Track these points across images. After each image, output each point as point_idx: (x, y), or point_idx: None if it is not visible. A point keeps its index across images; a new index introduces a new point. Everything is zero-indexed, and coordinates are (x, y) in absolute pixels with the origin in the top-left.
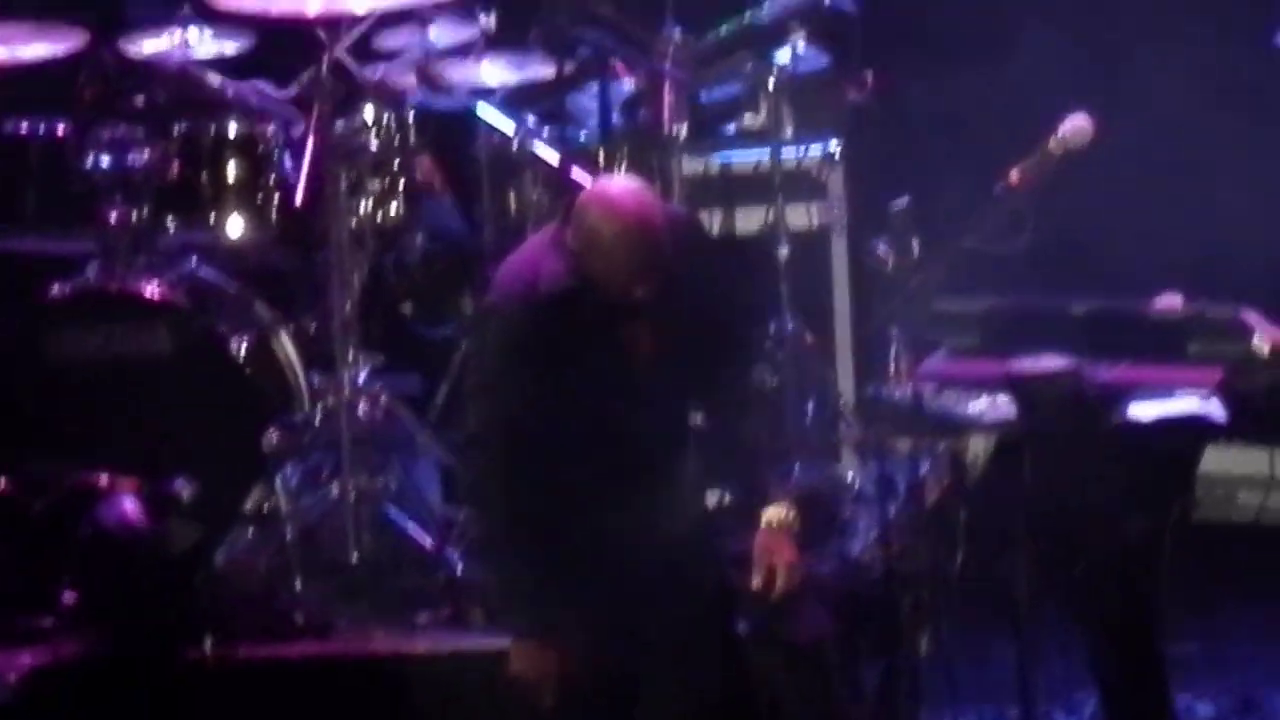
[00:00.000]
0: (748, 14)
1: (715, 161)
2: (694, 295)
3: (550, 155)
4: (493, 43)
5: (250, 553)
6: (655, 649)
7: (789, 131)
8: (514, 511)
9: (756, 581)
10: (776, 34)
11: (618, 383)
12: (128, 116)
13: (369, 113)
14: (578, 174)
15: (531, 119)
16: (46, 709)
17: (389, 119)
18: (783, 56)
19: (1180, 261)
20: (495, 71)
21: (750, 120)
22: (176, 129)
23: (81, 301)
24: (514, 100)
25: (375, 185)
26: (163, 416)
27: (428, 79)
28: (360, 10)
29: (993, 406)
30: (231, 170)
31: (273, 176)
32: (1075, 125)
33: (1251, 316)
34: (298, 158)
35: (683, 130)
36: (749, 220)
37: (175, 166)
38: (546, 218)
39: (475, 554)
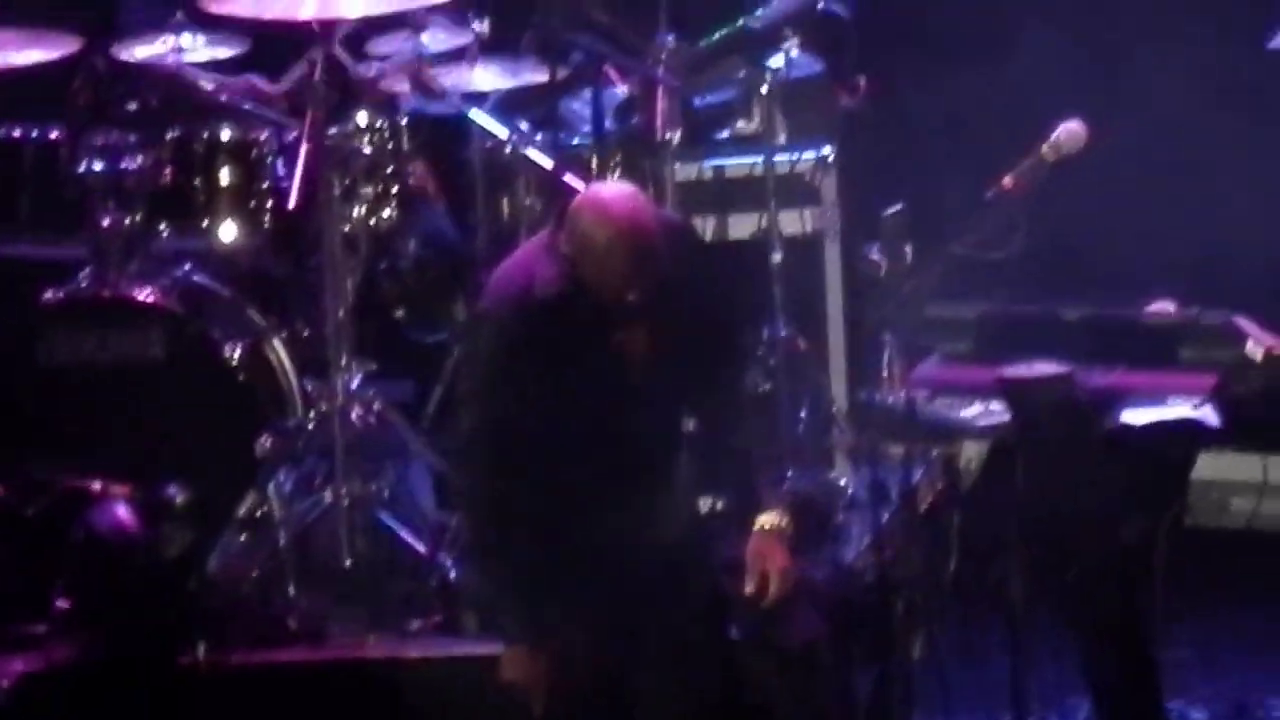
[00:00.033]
0: (741, 19)
1: (708, 167)
2: (687, 301)
3: (543, 161)
4: (486, 48)
5: (243, 558)
6: (649, 654)
7: (782, 137)
8: (506, 517)
9: (750, 587)
10: (770, 39)
11: (611, 388)
12: (121, 122)
13: (362, 118)
14: (571, 179)
15: (525, 124)
16: (39, 714)
17: (382, 124)
18: (776, 62)
19: (1179, 263)
20: (488, 77)
21: (743, 126)
22: (169, 134)
23: (75, 307)
24: (507, 105)
25: (368, 191)
26: (156, 422)
27: (421, 84)
28: (353, 15)
29: (986, 412)
30: (224, 175)
31: (266, 182)
32: (1069, 130)
33: (1244, 322)
34: (291, 163)
35: (676, 136)
36: (742, 226)
37: (168, 172)
38: (540, 223)
39: (467, 559)
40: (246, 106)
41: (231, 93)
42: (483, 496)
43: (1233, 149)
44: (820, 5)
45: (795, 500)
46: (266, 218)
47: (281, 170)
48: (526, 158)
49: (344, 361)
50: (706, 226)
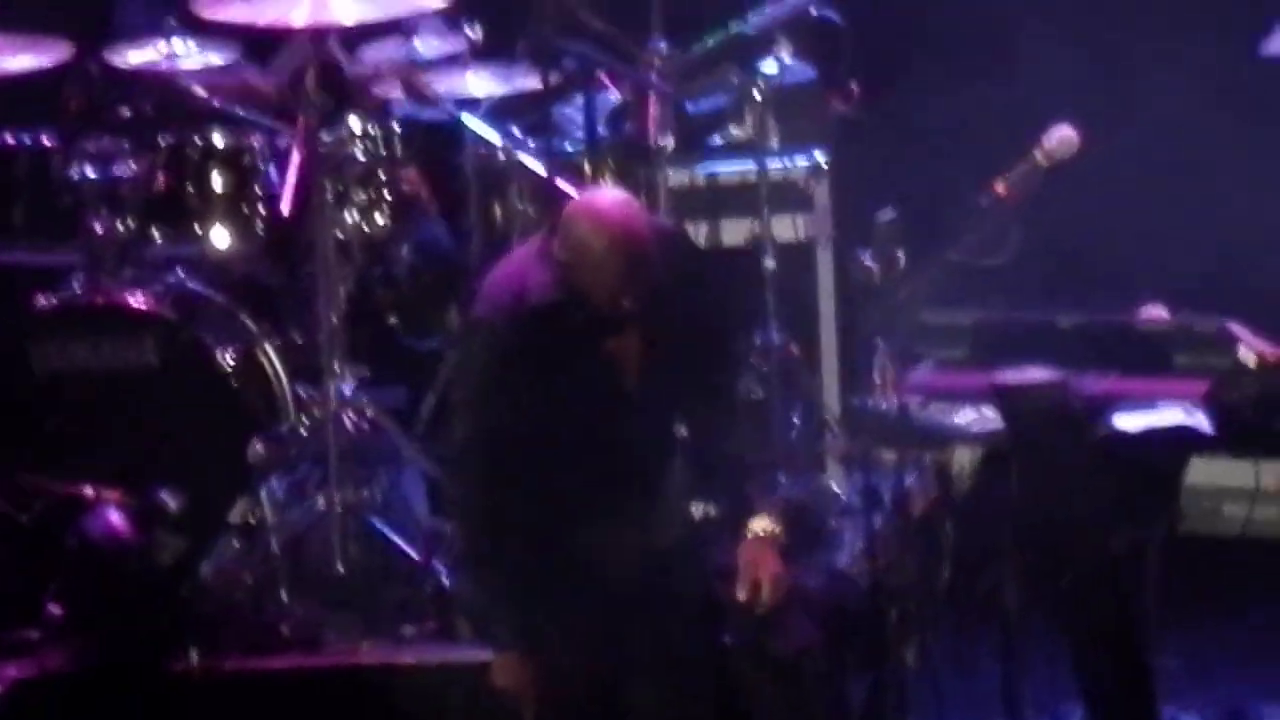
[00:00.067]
0: (734, 25)
1: (701, 173)
2: (681, 307)
3: (536, 167)
4: (479, 54)
5: (236, 564)
6: (641, 661)
7: (775, 143)
8: (498, 523)
9: (742, 594)
10: (762, 45)
11: (604, 395)
12: (113, 128)
13: (355, 124)
14: (564, 185)
15: (517, 130)
16: None
17: (375, 130)
18: (769, 68)
19: (1173, 269)
20: (481, 83)
21: (736, 132)
22: (162, 141)
23: (68, 313)
24: (500, 112)
25: (361, 197)
26: (149, 428)
27: (414, 90)
28: (347, 22)
29: (979, 418)
30: (217, 182)
31: (259, 188)
32: (1061, 136)
33: (1237, 328)
34: (284, 169)
35: (668, 142)
36: (735, 232)
37: (161, 178)
38: (533, 229)
39: (460, 566)
40: (240, 112)
41: (224, 93)
42: (476, 503)
43: (1230, 154)
44: (813, 11)
45: (788, 507)
46: (259, 224)
47: (275, 177)
48: (520, 164)
49: (337, 368)
50: (699, 232)
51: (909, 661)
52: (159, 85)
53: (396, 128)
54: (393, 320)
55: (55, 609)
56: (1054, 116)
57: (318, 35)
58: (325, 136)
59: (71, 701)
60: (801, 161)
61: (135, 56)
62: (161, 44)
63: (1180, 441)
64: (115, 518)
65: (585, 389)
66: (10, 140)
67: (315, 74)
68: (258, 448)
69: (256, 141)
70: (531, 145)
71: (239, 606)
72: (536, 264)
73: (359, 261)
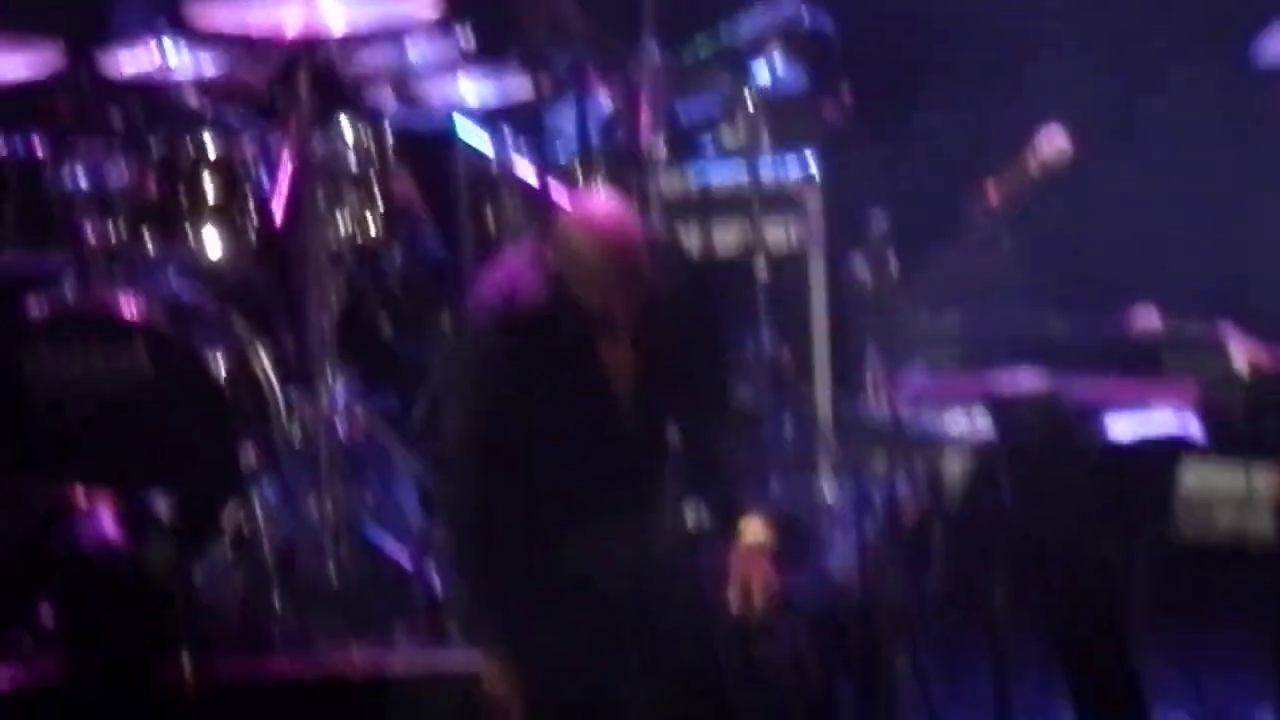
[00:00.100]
0: (725, 32)
1: (693, 180)
2: (672, 315)
3: (528, 173)
4: (471, 61)
5: (228, 570)
6: (632, 668)
7: (767, 149)
8: (489, 529)
9: (733, 601)
10: (754, 52)
11: (596, 401)
12: (105, 134)
13: (347, 131)
14: (556, 192)
15: (509, 137)
16: None
17: (367, 137)
18: (761, 75)
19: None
20: (473, 89)
21: (728, 139)
22: (154, 147)
23: (59, 320)
24: (492, 118)
25: (353, 203)
26: (140, 434)
27: (406, 97)
28: (338, 29)
29: (970, 424)
30: (209, 188)
31: (251, 194)
32: (1052, 143)
33: (1229, 333)
34: (275, 175)
35: (661, 148)
36: (727, 238)
37: (153, 184)
38: (524, 235)
39: (450, 571)
40: (231, 118)
41: (214, 94)
42: (467, 509)
43: (1228, 158)
44: (804, 17)
45: (779, 513)
46: (251, 230)
47: (266, 183)
48: (511, 170)
49: (329, 374)
50: (691, 239)
51: (899, 668)
52: (150, 92)
53: (389, 134)
54: (384, 326)
55: (47, 616)
56: (1046, 123)
57: (309, 46)
58: (317, 143)
59: (63, 708)
60: (794, 169)
61: (127, 63)
62: (153, 50)
63: (1171, 447)
64: (107, 523)
65: (577, 396)
66: (1, 146)
67: (306, 80)
68: (250, 454)
69: (248, 147)
70: (523, 152)
71: (231, 612)
72: (528, 270)
73: (350, 267)
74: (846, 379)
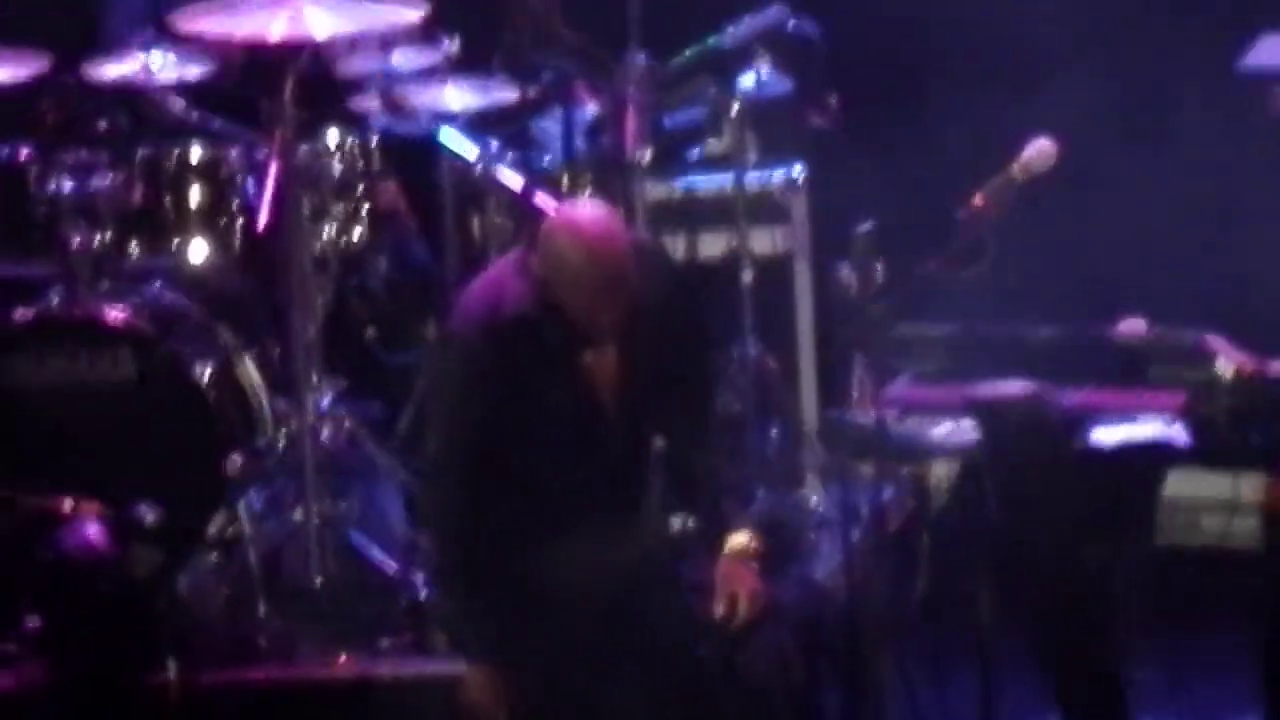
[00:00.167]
0: (711, 39)
1: (679, 186)
2: (658, 322)
3: (514, 180)
4: (456, 67)
5: (213, 578)
6: (616, 675)
7: (752, 156)
8: (473, 537)
9: (719, 609)
10: (740, 59)
11: (581, 409)
12: (90, 141)
13: (332, 137)
14: (541, 199)
15: (495, 144)
16: None
17: (352, 143)
18: (746, 81)
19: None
20: (458, 96)
21: (714, 145)
22: (139, 154)
23: (44, 327)
24: (477, 125)
25: (338, 210)
26: (125, 442)
27: (391, 104)
28: (322, 36)
29: (956, 432)
30: (194, 195)
31: (236, 201)
32: (1039, 148)
33: (1215, 341)
34: (261, 182)
35: (646, 155)
36: (712, 245)
37: (138, 191)
38: (510, 243)
39: (434, 578)
40: (216, 126)
41: (200, 101)
42: (451, 516)
43: (1215, 166)
44: (790, 24)
45: (764, 521)
46: (237, 237)
47: (252, 190)
48: (497, 178)
49: (314, 381)
50: (676, 246)
51: (886, 675)
52: (136, 98)
53: (374, 141)
54: (370, 333)
55: (31, 623)
56: (1031, 129)
57: (294, 53)
58: (302, 149)
59: (48, 715)
60: (779, 175)
61: (112, 70)
62: (139, 57)
63: (1157, 454)
64: (92, 531)
65: (562, 403)
66: None
67: (293, 87)
68: (235, 461)
69: (233, 154)
70: (509, 159)
71: (216, 619)
72: (514, 278)
73: (336, 275)
74: (832, 386)
